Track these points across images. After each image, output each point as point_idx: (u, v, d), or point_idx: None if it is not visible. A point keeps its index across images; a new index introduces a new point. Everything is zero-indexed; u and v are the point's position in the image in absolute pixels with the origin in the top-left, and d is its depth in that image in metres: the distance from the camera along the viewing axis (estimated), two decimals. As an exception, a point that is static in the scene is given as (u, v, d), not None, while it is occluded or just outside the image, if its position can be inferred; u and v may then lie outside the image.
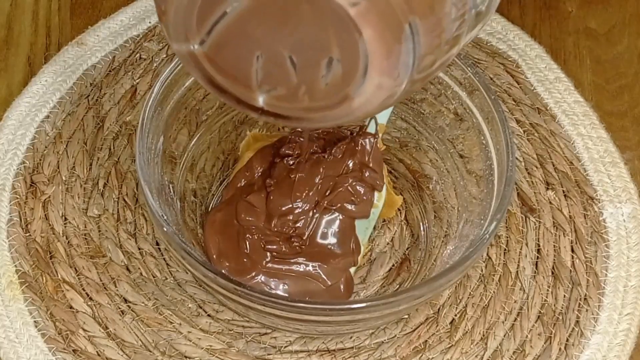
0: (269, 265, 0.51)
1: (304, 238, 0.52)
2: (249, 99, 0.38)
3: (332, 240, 0.52)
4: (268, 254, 0.51)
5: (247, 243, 0.51)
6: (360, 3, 0.32)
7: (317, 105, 0.37)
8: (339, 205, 0.52)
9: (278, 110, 0.38)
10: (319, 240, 0.52)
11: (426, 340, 0.52)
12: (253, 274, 0.51)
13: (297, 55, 0.35)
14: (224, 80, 0.38)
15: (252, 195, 0.52)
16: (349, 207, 0.52)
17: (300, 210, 0.52)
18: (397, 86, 0.35)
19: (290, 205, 0.52)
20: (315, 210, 0.52)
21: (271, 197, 0.52)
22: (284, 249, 0.51)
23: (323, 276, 0.52)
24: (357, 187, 0.52)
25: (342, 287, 0.52)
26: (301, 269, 0.52)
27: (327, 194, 0.52)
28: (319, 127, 0.52)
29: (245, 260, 0.51)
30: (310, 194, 0.52)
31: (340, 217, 0.52)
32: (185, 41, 0.37)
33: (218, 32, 0.35)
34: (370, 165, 0.53)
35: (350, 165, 0.53)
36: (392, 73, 0.34)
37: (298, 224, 0.52)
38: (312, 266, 0.52)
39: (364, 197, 0.53)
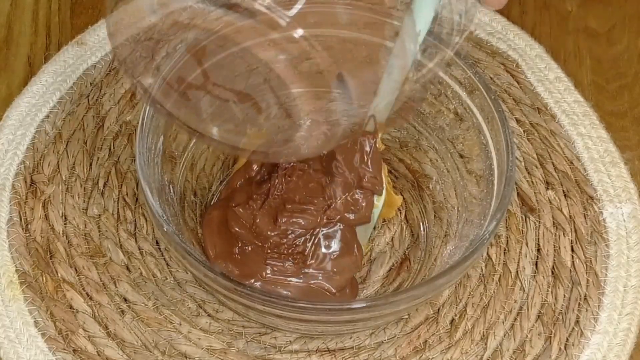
0: (269, 276, 0.50)
1: (305, 254, 0.51)
2: (204, 131, 0.39)
3: (334, 250, 0.51)
4: (269, 268, 0.50)
5: (245, 252, 0.51)
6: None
7: (266, 142, 0.38)
8: (338, 217, 0.51)
9: (232, 142, 0.40)
10: (321, 251, 0.51)
11: (426, 340, 0.52)
12: (252, 280, 0.50)
13: (240, 99, 0.37)
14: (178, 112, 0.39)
15: (240, 208, 0.51)
16: (350, 216, 0.52)
17: (293, 236, 0.51)
18: (333, 127, 0.36)
19: (280, 232, 0.51)
20: (313, 229, 0.51)
21: (257, 220, 0.50)
22: (285, 266, 0.50)
23: (328, 285, 0.51)
24: (356, 196, 0.51)
25: (347, 291, 0.52)
26: (304, 281, 0.51)
27: (324, 210, 0.51)
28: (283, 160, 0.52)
29: (244, 266, 0.51)
30: (302, 221, 0.50)
31: (342, 227, 0.52)
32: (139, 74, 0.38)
33: (166, 72, 0.37)
34: (369, 166, 0.52)
35: (347, 172, 0.52)
36: (323, 116, 0.36)
37: (296, 242, 0.51)
38: (316, 277, 0.51)
39: (364, 204, 0.52)
